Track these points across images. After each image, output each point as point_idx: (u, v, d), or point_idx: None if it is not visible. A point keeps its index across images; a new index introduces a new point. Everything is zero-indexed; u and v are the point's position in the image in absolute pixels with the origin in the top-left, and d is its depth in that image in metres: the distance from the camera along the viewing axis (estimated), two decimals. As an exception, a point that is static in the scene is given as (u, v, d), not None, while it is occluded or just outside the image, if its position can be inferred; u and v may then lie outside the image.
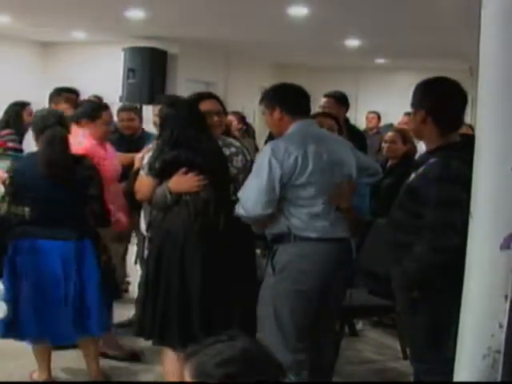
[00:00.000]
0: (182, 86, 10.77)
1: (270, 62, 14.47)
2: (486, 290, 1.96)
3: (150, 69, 10.72)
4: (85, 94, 5.91)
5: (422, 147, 5.78)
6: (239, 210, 3.70)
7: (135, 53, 10.76)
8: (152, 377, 4.63)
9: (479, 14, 1.96)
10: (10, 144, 6.10)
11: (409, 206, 3.26)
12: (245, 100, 11.48)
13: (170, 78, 11.23)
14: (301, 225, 3.69)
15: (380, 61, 13.36)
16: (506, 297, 1.96)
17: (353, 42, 10.67)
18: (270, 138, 5.27)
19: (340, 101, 6.04)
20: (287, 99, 3.90)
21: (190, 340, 3.45)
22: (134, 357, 4.87)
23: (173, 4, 8.01)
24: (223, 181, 4.00)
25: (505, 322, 1.97)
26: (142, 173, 4.05)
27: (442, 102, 3.26)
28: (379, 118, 10.16)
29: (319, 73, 13.96)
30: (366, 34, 9.91)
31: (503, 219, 1.94)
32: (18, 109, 6.67)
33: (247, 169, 3.99)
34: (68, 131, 4.18)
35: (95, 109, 4.68)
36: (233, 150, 4.08)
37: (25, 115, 6.60)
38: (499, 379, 2.01)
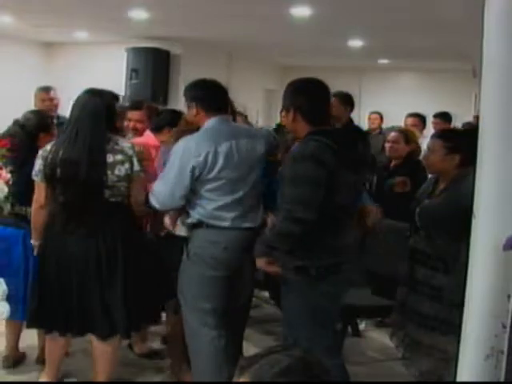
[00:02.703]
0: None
1: (273, 63, 14.49)
2: (488, 290, 1.95)
3: (153, 69, 10.75)
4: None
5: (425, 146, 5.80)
6: (152, 202, 3.95)
7: (138, 53, 10.78)
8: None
9: (482, 15, 1.96)
10: None
11: (281, 187, 3.64)
12: (247, 100, 11.48)
13: (173, 79, 11.24)
14: (211, 215, 3.89)
15: (383, 61, 13.36)
16: (509, 297, 1.96)
17: (356, 43, 10.67)
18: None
19: (345, 101, 6.05)
20: (202, 95, 4.04)
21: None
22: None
23: (176, 4, 8.01)
24: (89, 186, 3.93)
25: (508, 323, 1.96)
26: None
27: (309, 100, 3.65)
28: (382, 118, 10.15)
29: (322, 73, 13.86)
30: (369, 35, 9.91)
31: (506, 219, 1.94)
32: None
33: (132, 177, 4.01)
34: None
35: (175, 117, 4.72)
36: (119, 157, 3.96)
37: None
38: (502, 379, 2.00)
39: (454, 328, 3.51)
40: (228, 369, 3.84)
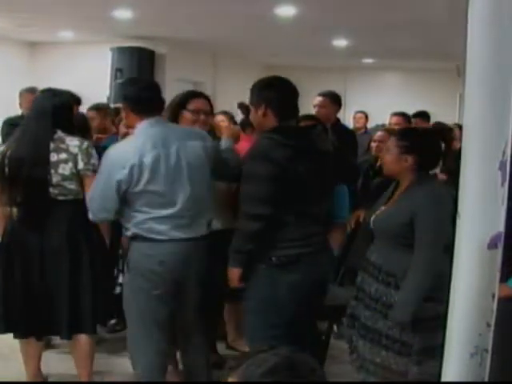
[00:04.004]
0: (170, 86, 10.74)
1: (258, 62, 14.48)
2: (473, 289, 1.96)
3: (138, 69, 10.71)
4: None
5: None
6: (89, 212, 3.81)
7: (123, 53, 10.75)
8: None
9: (466, 14, 1.97)
10: None
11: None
12: (233, 99, 11.46)
13: (158, 78, 11.20)
14: (145, 228, 3.73)
15: (367, 61, 13.40)
16: (494, 296, 1.97)
17: (340, 42, 10.70)
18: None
19: (334, 100, 6.14)
20: (130, 96, 3.86)
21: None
22: None
23: (161, 4, 8.00)
24: (33, 184, 3.95)
25: (492, 321, 1.97)
26: None
27: (278, 95, 3.71)
28: (367, 117, 10.17)
29: (307, 73, 13.95)
30: (354, 35, 9.94)
31: (490, 218, 1.95)
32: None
33: (76, 175, 3.98)
34: None
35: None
36: (63, 156, 3.94)
37: None
38: (487, 378, 2.01)
39: (409, 348, 3.45)
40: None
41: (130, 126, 3.92)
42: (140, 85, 3.91)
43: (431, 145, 3.64)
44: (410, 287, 3.39)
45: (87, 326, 4.10)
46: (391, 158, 3.60)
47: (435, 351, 3.32)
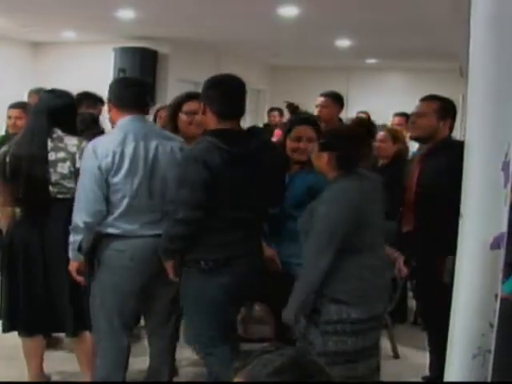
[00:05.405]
0: (173, 86, 10.77)
1: (261, 63, 14.48)
2: (476, 289, 1.96)
3: (141, 69, 10.72)
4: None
5: (414, 147, 5.82)
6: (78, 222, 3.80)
7: (125, 53, 10.76)
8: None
9: (469, 15, 1.97)
10: None
11: None
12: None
13: (161, 78, 11.22)
14: (114, 223, 3.79)
15: (370, 61, 13.38)
16: (496, 296, 1.97)
17: (343, 42, 10.68)
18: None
19: (336, 100, 6.16)
20: (114, 92, 3.95)
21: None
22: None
23: (163, 4, 8.00)
24: (32, 182, 4.00)
25: (495, 322, 1.97)
26: None
27: (219, 95, 3.72)
28: (369, 118, 10.15)
29: (309, 73, 13.97)
30: (357, 35, 9.92)
31: (493, 218, 1.95)
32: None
33: (74, 174, 4.00)
34: None
35: None
36: (61, 155, 4.01)
37: None
38: (489, 379, 2.01)
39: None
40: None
41: (113, 122, 3.99)
42: (126, 82, 4.07)
43: (346, 143, 3.57)
44: (297, 283, 3.44)
45: (91, 322, 4.11)
46: (313, 156, 3.64)
47: (346, 356, 3.36)
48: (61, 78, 8.97)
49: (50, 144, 4.01)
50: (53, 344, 4.93)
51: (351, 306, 3.33)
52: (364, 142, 3.67)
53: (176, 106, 4.45)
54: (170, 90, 10.58)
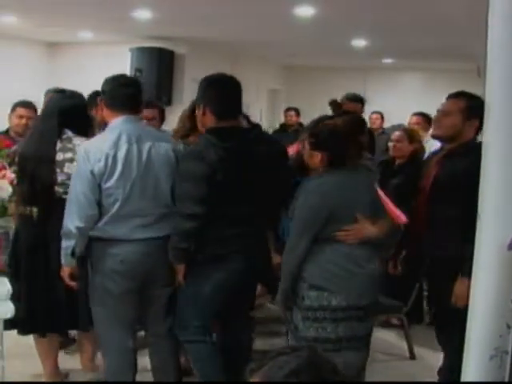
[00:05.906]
0: (189, 86, 10.76)
1: (277, 63, 14.49)
2: (493, 290, 1.95)
3: (157, 69, 10.73)
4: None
5: (430, 146, 5.79)
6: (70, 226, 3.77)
7: (142, 53, 10.77)
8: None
9: (486, 15, 1.96)
10: None
11: None
12: (251, 100, 11.50)
13: (177, 78, 11.24)
14: (105, 227, 3.74)
15: (387, 61, 13.35)
16: (514, 297, 1.96)
17: (359, 42, 10.66)
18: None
19: (358, 101, 6.55)
20: (107, 92, 3.92)
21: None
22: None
23: (180, 4, 8.01)
24: (38, 182, 4.00)
25: (512, 323, 1.97)
26: None
27: (217, 94, 3.78)
28: (382, 118, 10.12)
29: (326, 73, 13.97)
30: (373, 35, 9.90)
31: (510, 219, 1.94)
32: None
33: None
34: None
35: None
36: (68, 155, 3.98)
37: None
38: (507, 379, 2.01)
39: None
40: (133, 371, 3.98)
41: (105, 121, 3.96)
42: (120, 81, 4.00)
43: (336, 142, 3.57)
44: (281, 271, 3.58)
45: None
46: (306, 155, 3.64)
47: (328, 343, 3.41)
48: (77, 78, 9.00)
49: (58, 144, 4.00)
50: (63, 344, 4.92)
51: (331, 294, 3.41)
52: (355, 139, 3.71)
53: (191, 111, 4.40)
54: (186, 90, 10.59)
